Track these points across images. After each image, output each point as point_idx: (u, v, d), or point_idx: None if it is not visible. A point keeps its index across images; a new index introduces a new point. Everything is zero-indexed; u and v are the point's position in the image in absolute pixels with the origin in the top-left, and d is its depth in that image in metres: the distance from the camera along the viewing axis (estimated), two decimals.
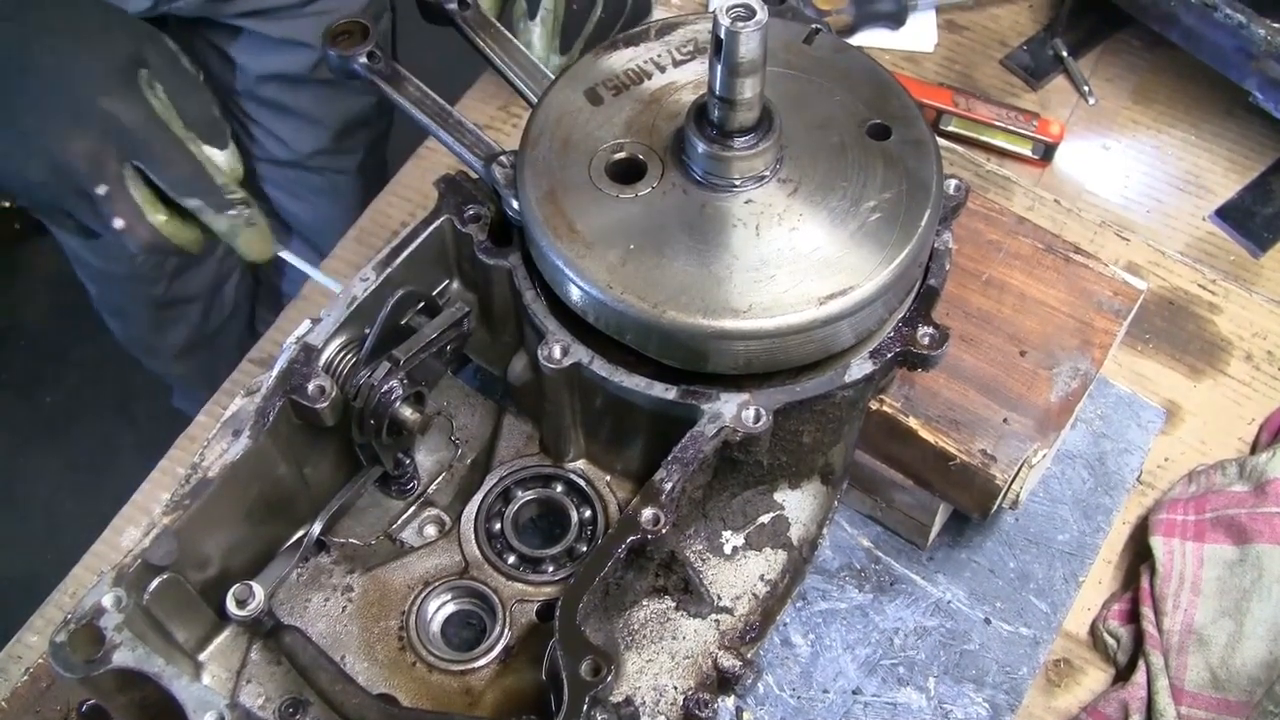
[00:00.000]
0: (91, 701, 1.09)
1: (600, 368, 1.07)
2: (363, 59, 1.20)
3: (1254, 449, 1.45)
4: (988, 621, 1.32)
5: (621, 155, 1.10)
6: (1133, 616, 1.31)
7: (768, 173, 1.07)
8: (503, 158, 1.14)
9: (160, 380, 2.79)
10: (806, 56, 1.17)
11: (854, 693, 1.28)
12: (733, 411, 1.05)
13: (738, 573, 1.13)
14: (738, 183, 1.07)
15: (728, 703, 1.09)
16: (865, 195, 1.06)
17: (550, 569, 1.13)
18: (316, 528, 1.12)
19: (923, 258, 1.10)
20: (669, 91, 1.14)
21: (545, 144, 1.11)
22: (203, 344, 2.40)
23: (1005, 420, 1.19)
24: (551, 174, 1.09)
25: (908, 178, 1.08)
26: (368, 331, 1.08)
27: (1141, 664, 1.27)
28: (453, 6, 1.26)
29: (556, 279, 1.07)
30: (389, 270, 1.11)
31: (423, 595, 1.11)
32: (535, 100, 1.18)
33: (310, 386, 1.04)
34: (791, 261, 1.04)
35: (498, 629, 1.10)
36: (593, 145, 1.11)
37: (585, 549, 1.14)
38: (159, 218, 1.18)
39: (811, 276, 1.03)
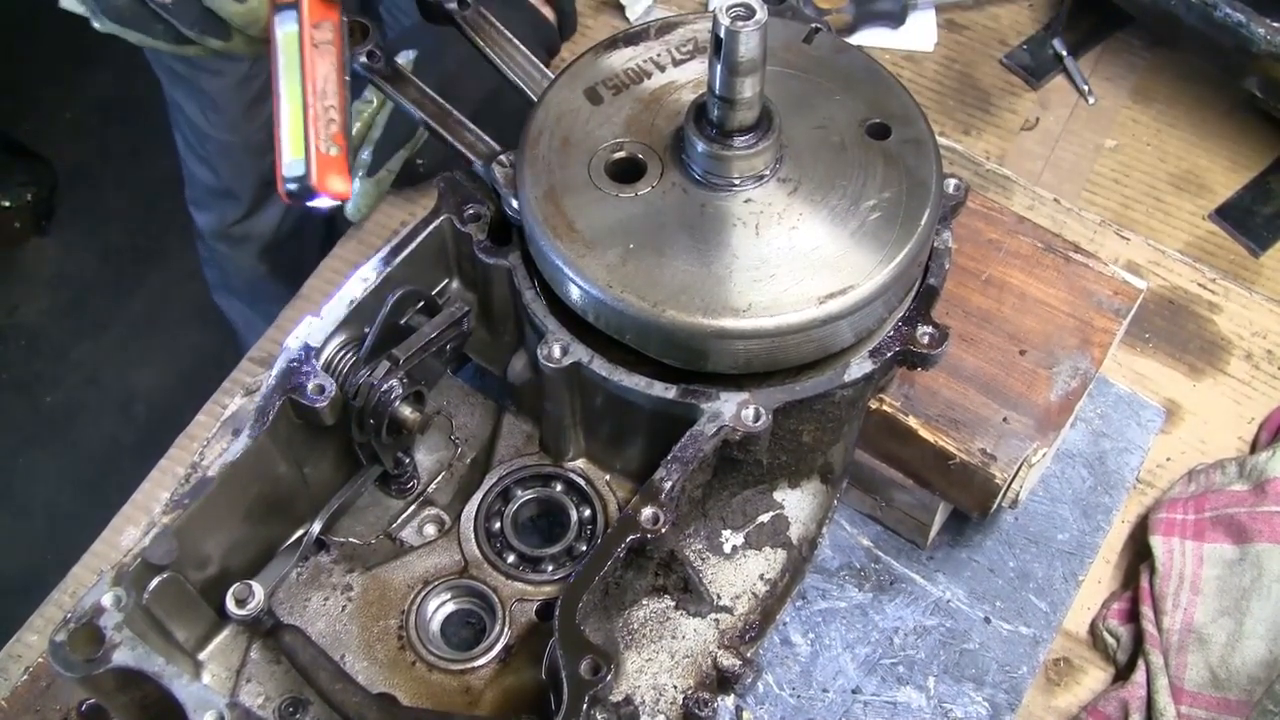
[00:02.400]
0: (91, 701, 1.09)
1: (600, 367, 1.07)
2: (363, 58, 1.20)
3: (1253, 448, 1.45)
4: (987, 621, 1.32)
5: (621, 155, 1.10)
6: (1132, 616, 1.31)
7: (767, 172, 1.07)
8: (502, 157, 1.14)
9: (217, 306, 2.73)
10: (806, 56, 1.17)
11: (854, 692, 1.28)
12: (732, 410, 1.05)
13: (737, 572, 1.13)
14: (737, 182, 1.07)
15: (727, 702, 1.09)
16: (865, 194, 1.06)
17: (550, 568, 1.13)
18: (316, 527, 1.12)
19: (923, 257, 1.10)
20: (669, 91, 1.14)
21: (545, 143, 1.11)
22: (293, 235, 2.44)
23: (1005, 419, 1.19)
24: (551, 173, 1.09)
25: (907, 176, 1.08)
26: (367, 331, 1.08)
27: (1141, 663, 1.27)
28: (452, 6, 1.26)
29: (556, 278, 1.07)
30: (389, 269, 1.11)
31: (422, 594, 1.11)
32: (534, 99, 1.18)
33: (310, 386, 1.04)
34: (791, 260, 1.04)
35: (497, 628, 1.10)
36: (592, 144, 1.11)
37: (585, 548, 1.14)
38: None
39: (811, 275, 1.03)
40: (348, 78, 1.11)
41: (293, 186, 1.06)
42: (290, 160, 1.05)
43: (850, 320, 1.04)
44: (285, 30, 1.09)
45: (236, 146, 2.29)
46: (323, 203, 1.07)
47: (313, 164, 1.05)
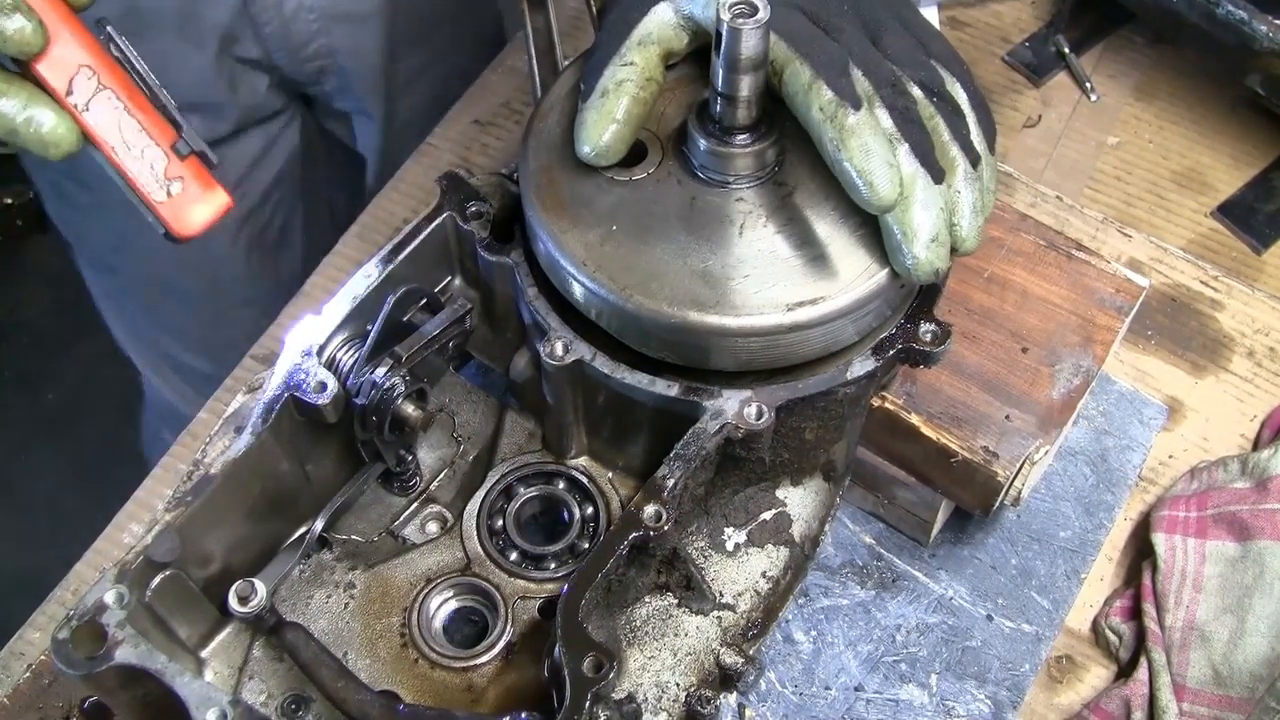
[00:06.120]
0: (94, 698, 1.09)
1: (602, 364, 1.07)
2: None
3: (1256, 445, 1.45)
4: (990, 618, 1.32)
5: None
6: (1135, 613, 1.31)
7: (764, 173, 1.07)
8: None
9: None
10: None
11: (856, 689, 1.28)
12: (735, 408, 1.05)
13: (740, 569, 1.13)
14: (732, 180, 1.07)
15: (730, 699, 1.09)
16: (859, 208, 1.06)
17: (552, 566, 1.13)
18: (319, 524, 1.12)
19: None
20: (686, 80, 1.14)
21: (554, 117, 1.12)
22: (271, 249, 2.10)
23: (1007, 417, 1.19)
24: (552, 148, 1.10)
25: None
26: (369, 328, 1.08)
27: (1143, 661, 1.27)
28: None
29: (539, 253, 1.08)
30: (391, 267, 1.11)
31: (425, 592, 1.11)
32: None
33: (312, 383, 1.04)
34: (769, 264, 1.03)
35: (500, 626, 1.10)
36: None
37: (587, 546, 1.14)
38: None
39: (785, 282, 1.03)
40: (145, 87, 0.99)
41: (171, 239, 1.01)
42: (152, 221, 1.00)
43: (838, 324, 1.04)
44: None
45: (231, 303, 1.99)
46: (201, 226, 1.01)
47: (165, 218, 1.00)
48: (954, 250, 1.03)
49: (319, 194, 2.07)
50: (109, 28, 0.98)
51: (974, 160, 1.03)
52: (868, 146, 0.97)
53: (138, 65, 0.99)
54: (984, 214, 1.04)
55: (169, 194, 1.00)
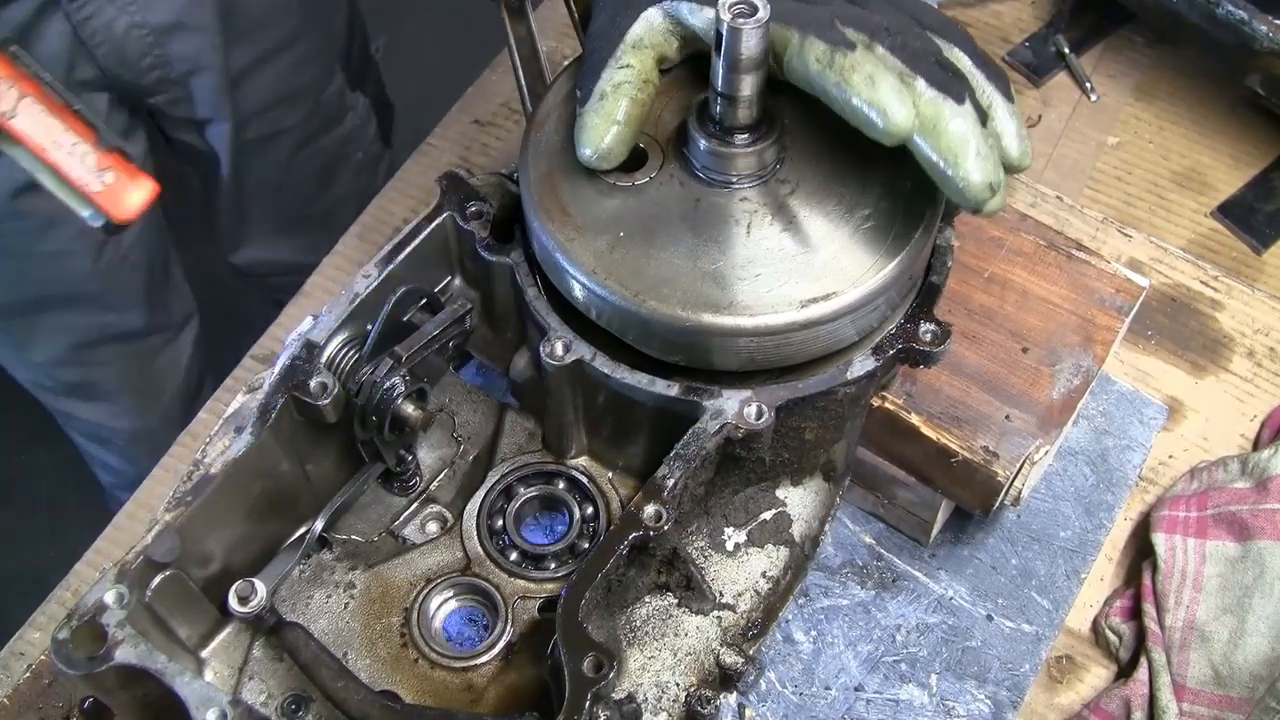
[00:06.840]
0: (94, 698, 1.09)
1: (602, 364, 1.07)
2: None
3: (1256, 445, 1.45)
4: (990, 618, 1.32)
5: None
6: (1135, 613, 1.31)
7: (766, 172, 1.07)
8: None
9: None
10: None
11: (856, 689, 1.28)
12: (735, 408, 1.05)
13: (740, 569, 1.13)
14: (735, 180, 1.07)
15: (730, 699, 1.09)
16: (862, 203, 1.06)
17: (552, 565, 1.13)
18: (319, 524, 1.12)
19: (916, 268, 1.09)
20: (680, 84, 1.14)
21: (550, 125, 1.11)
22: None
23: (1007, 417, 1.19)
24: (552, 156, 1.09)
25: (909, 188, 1.07)
26: (369, 328, 1.08)
27: (1144, 661, 1.27)
28: None
29: (546, 261, 1.07)
30: (391, 267, 1.11)
31: (425, 592, 1.11)
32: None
33: (312, 383, 1.04)
34: (778, 262, 1.03)
35: (500, 626, 1.10)
36: None
37: (587, 546, 1.14)
38: None
39: (796, 279, 1.03)
40: (58, 96, 1.06)
41: (109, 229, 1.07)
42: (88, 214, 1.06)
43: (842, 322, 1.04)
44: None
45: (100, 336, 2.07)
46: (138, 209, 1.07)
47: (104, 205, 1.05)
48: None
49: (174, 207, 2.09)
50: (14, 47, 1.05)
51: (983, 119, 1.00)
52: (872, 76, 0.95)
53: (46, 78, 1.06)
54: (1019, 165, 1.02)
55: (104, 184, 1.06)
